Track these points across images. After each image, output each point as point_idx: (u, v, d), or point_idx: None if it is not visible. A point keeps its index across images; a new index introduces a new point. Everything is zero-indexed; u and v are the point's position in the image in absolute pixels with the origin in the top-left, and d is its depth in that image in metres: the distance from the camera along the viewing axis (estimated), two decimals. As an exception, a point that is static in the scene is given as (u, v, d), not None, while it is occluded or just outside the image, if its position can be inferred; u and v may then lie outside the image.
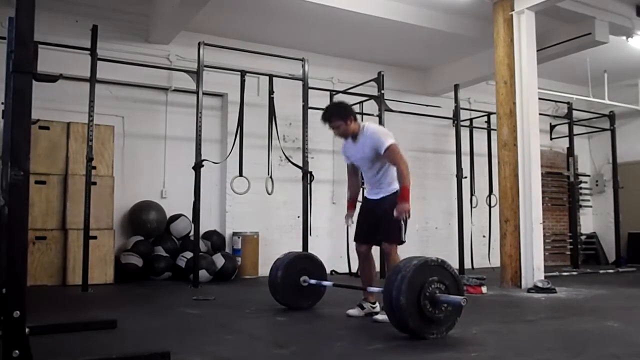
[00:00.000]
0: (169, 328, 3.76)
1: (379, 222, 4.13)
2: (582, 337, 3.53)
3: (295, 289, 4.50)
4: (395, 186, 4.10)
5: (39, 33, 2.52)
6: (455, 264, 6.67)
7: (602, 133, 10.41)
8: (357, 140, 4.22)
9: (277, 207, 7.90)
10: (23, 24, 2.36)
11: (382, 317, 3.87)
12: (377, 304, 4.17)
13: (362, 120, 5.84)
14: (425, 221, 9.41)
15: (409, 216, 3.99)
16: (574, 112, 9.63)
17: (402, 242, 4.07)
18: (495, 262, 7.10)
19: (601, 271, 8.68)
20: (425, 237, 9.35)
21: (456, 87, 8.17)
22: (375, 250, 4.45)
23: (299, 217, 7.04)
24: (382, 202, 4.14)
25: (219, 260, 6.83)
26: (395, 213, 3.95)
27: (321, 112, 4.32)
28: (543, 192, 6.91)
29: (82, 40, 5.96)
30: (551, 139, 10.11)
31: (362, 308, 4.19)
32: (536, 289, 5.84)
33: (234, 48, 6.86)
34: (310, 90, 6.99)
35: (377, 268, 4.23)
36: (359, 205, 4.44)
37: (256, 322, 4.06)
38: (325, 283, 4.58)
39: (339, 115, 4.20)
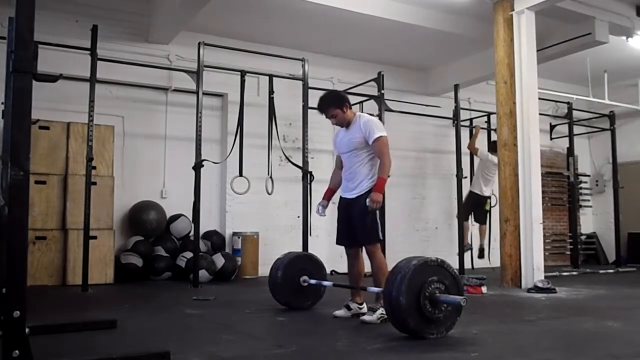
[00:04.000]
0: (169, 328, 3.76)
1: (354, 224, 4.10)
2: (582, 337, 3.54)
3: (295, 289, 4.51)
4: (370, 184, 4.04)
5: (39, 33, 2.52)
6: (455, 264, 6.67)
7: (602, 133, 10.41)
8: (349, 128, 4.18)
9: (277, 207, 7.90)
10: (23, 24, 2.36)
11: (369, 317, 3.86)
12: (364, 304, 4.14)
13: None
14: (425, 221, 9.41)
15: (379, 207, 3.96)
16: (574, 112, 9.63)
17: (380, 241, 4.04)
18: (495, 262, 7.10)
19: (601, 271, 8.68)
20: (425, 237, 9.36)
21: (456, 87, 8.16)
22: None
23: (299, 217, 7.04)
24: (356, 202, 4.07)
25: (219, 260, 6.83)
26: (367, 202, 3.94)
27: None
28: (543, 192, 6.92)
29: (82, 40, 5.97)
30: (551, 139, 10.11)
31: (349, 309, 4.14)
32: (536, 289, 5.83)
33: (234, 48, 6.86)
34: (310, 90, 6.97)
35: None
36: (335, 206, 4.36)
37: (256, 322, 4.06)
38: (325, 283, 4.59)
39: (334, 104, 4.17)
